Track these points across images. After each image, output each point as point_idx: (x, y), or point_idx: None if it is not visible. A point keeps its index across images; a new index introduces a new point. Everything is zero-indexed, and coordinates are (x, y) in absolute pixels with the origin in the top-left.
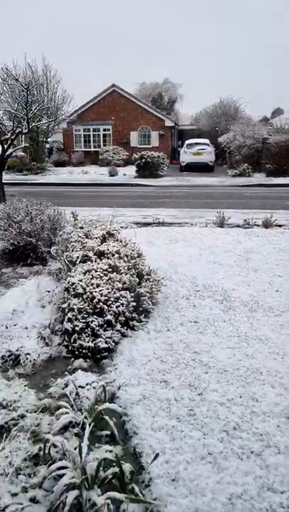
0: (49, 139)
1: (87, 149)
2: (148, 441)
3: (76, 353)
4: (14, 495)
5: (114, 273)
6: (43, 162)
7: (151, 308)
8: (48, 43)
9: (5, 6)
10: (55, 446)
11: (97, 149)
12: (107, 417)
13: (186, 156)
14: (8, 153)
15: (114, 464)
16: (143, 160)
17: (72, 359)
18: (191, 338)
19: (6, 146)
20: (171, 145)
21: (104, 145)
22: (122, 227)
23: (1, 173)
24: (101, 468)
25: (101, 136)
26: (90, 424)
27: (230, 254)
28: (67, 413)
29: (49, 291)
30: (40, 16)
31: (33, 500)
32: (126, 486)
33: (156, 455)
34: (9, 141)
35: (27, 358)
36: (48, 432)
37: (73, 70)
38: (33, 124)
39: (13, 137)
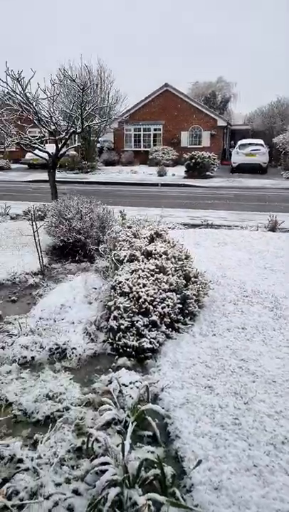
0: (100, 139)
1: (137, 149)
2: (190, 446)
3: (120, 351)
4: (58, 485)
5: (161, 274)
6: (93, 161)
7: (197, 312)
8: (103, 43)
9: (64, 6)
10: (98, 441)
11: (146, 149)
12: (149, 418)
13: (237, 157)
14: (61, 152)
15: (155, 465)
16: (193, 160)
17: (117, 357)
18: (238, 345)
19: (60, 146)
20: (222, 145)
21: (155, 145)
22: (169, 228)
23: (54, 172)
24: (142, 468)
25: (151, 136)
26: (132, 423)
27: (282, 260)
28: (110, 410)
29: (96, 288)
30: (96, 15)
31: (76, 492)
32: (167, 489)
33: (199, 461)
34: (63, 141)
35: (73, 353)
36: (92, 427)
37: (126, 70)
38: (87, 124)
39: (67, 137)
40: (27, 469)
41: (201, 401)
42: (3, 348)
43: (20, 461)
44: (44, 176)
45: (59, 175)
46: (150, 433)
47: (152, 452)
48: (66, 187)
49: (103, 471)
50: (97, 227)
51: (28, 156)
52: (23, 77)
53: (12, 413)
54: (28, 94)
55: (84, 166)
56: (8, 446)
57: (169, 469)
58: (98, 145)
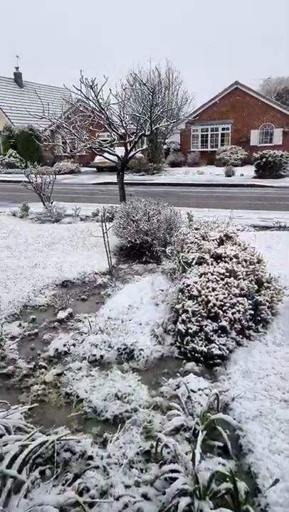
0: (166, 140)
1: (203, 149)
2: (265, 463)
3: (188, 355)
4: (127, 487)
5: (232, 278)
6: (159, 163)
7: (270, 319)
8: (172, 42)
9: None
10: (166, 446)
11: (213, 149)
12: (220, 428)
13: None
14: (130, 154)
15: (227, 478)
16: (263, 159)
17: (184, 361)
18: None
19: (129, 148)
20: None
21: (222, 144)
22: (238, 230)
23: (122, 174)
24: (213, 480)
25: (219, 135)
26: (202, 432)
27: None
28: (178, 415)
29: (162, 290)
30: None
31: (145, 496)
32: (240, 505)
33: (276, 480)
34: (132, 143)
35: (140, 354)
36: (160, 431)
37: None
38: (156, 126)
39: (136, 139)
40: (97, 467)
41: (276, 415)
42: (74, 345)
43: (91, 458)
44: (111, 178)
45: (126, 177)
46: (220, 444)
47: (223, 465)
48: (133, 189)
49: (173, 479)
50: (164, 229)
51: (97, 159)
52: (96, 84)
53: (83, 410)
54: (100, 100)
55: (150, 167)
56: (79, 442)
57: (242, 485)
58: (164, 146)
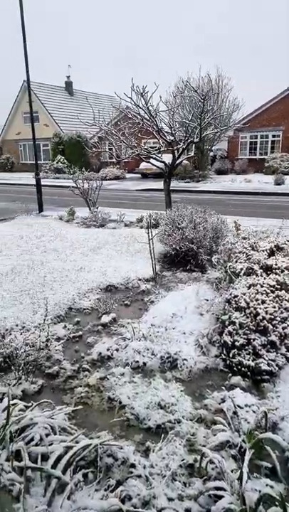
0: (213, 147)
1: (251, 157)
2: None
3: (234, 369)
4: (170, 499)
5: (283, 291)
6: (205, 170)
7: None
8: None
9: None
10: (211, 462)
11: (262, 156)
12: (268, 448)
13: None
14: (178, 161)
15: (276, 502)
16: None
17: (230, 375)
18: None
19: (177, 155)
20: None
21: (272, 152)
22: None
23: (169, 181)
24: (261, 503)
25: (269, 142)
26: (249, 450)
27: None
28: (224, 431)
29: (207, 300)
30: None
31: (188, 511)
32: None
33: None
34: (180, 150)
35: (184, 364)
36: (204, 445)
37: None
38: (205, 134)
39: (184, 146)
40: (139, 476)
41: None
42: (117, 350)
43: (133, 466)
44: (156, 184)
45: (171, 184)
46: (268, 465)
47: (272, 487)
48: (178, 196)
49: (217, 496)
50: (211, 237)
51: (142, 165)
52: (147, 92)
53: (125, 416)
54: (150, 107)
55: (195, 174)
56: (121, 448)
57: None
58: (211, 154)
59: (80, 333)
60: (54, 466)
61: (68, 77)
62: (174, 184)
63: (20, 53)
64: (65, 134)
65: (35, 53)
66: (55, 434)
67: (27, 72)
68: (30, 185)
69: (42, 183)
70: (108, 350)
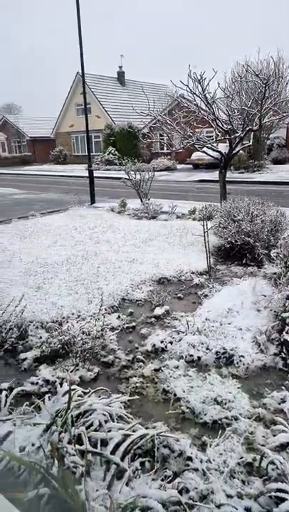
0: (270, 135)
1: None
2: None
3: None
4: (229, 496)
5: None
6: (261, 159)
7: None
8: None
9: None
10: (272, 463)
11: None
12: None
13: None
14: (234, 151)
15: None
16: None
17: None
18: None
19: (234, 145)
20: None
21: None
22: None
23: (225, 171)
24: None
25: None
26: None
27: None
28: (284, 432)
29: (265, 296)
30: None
31: (248, 510)
32: None
33: None
34: (238, 139)
35: (240, 360)
36: (263, 445)
37: None
38: (265, 121)
39: (242, 135)
40: (196, 469)
41: None
42: (171, 342)
43: (190, 459)
44: (208, 175)
45: None
46: None
47: None
48: (232, 187)
49: (279, 498)
50: (268, 231)
51: (194, 156)
52: (205, 78)
53: (180, 409)
54: (207, 94)
55: (250, 164)
56: (178, 440)
57: None
58: (268, 142)
59: (134, 324)
60: (113, 453)
61: (120, 67)
62: (228, 175)
63: (74, 45)
64: (116, 125)
65: (88, 43)
66: (112, 421)
67: (82, 64)
68: (82, 177)
69: (94, 175)
70: (162, 342)
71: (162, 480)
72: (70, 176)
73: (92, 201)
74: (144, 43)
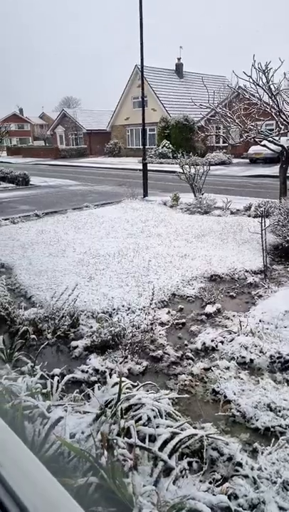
0: None
1: None
2: None
3: None
4: (281, 509)
5: None
6: None
7: None
8: None
9: None
10: None
11: None
12: None
13: None
14: None
15: None
16: None
17: None
18: None
19: None
20: None
21: None
22: None
23: (286, 167)
24: None
25: None
26: None
27: None
28: None
29: None
30: None
31: None
32: None
33: None
34: None
35: None
36: None
37: None
38: None
39: None
40: (246, 476)
41: None
42: (222, 342)
43: (239, 464)
44: (266, 170)
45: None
46: None
47: None
48: None
49: None
50: None
51: (252, 150)
52: (270, 69)
53: (230, 411)
54: (271, 85)
55: None
56: (227, 444)
57: None
58: None
59: (184, 320)
60: (160, 449)
61: (179, 59)
62: None
63: (133, 39)
64: (171, 118)
65: (147, 36)
66: (161, 417)
67: (141, 56)
68: (135, 169)
69: (147, 168)
70: (212, 341)
71: (210, 483)
72: (124, 169)
73: (145, 194)
74: (203, 34)
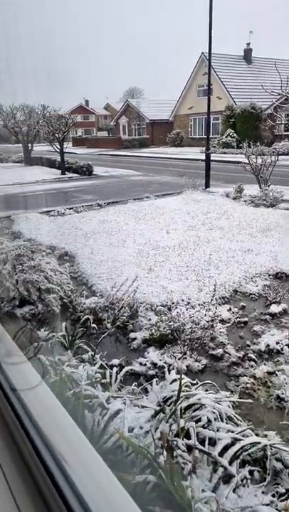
0: None
1: None
2: None
3: None
4: None
5: None
6: None
7: None
8: None
9: None
10: None
11: None
12: None
13: None
14: None
15: None
16: None
17: None
18: None
19: None
20: None
21: None
22: None
23: None
24: None
25: None
26: None
27: None
28: None
29: None
30: None
31: None
32: None
33: None
34: None
35: None
36: None
37: None
38: None
39: None
40: None
41: None
42: (288, 345)
43: None
44: None
45: None
46: None
47: None
48: None
49: None
50: None
51: None
52: None
53: None
54: None
55: None
56: None
57: None
58: None
59: (246, 319)
60: (220, 454)
61: (248, 44)
62: None
63: (198, 25)
64: (237, 107)
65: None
66: (221, 420)
67: (209, 44)
68: (197, 160)
69: (210, 159)
70: (278, 343)
71: (273, 496)
72: (185, 159)
73: (207, 185)
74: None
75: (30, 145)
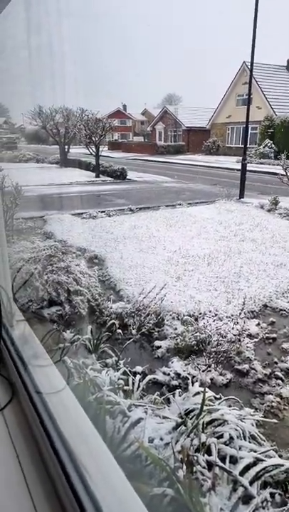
0: None
1: None
2: None
3: None
4: None
5: None
6: None
7: None
8: None
9: None
10: None
11: None
12: None
13: None
14: None
15: None
16: None
17: None
18: None
19: None
20: None
21: None
22: None
23: None
24: None
25: None
26: None
27: None
28: None
29: None
30: None
31: None
32: None
33: None
34: None
35: None
36: None
37: None
38: None
39: None
40: None
41: None
42: None
43: None
44: None
45: None
46: None
47: None
48: None
49: None
50: None
51: None
52: None
53: None
54: None
55: None
56: None
57: None
58: None
59: (275, 335)
60: (241, 474)
61: None
62: None
63: (240, 34)
64: (277, 117)
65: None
66: (244, 438)
67: (252, 53)
68: (232, 169)
69: (246, 169)
70: None
71: None
72: (220, 168)
73: (241, 196)
74: None
75: (66, 147)
